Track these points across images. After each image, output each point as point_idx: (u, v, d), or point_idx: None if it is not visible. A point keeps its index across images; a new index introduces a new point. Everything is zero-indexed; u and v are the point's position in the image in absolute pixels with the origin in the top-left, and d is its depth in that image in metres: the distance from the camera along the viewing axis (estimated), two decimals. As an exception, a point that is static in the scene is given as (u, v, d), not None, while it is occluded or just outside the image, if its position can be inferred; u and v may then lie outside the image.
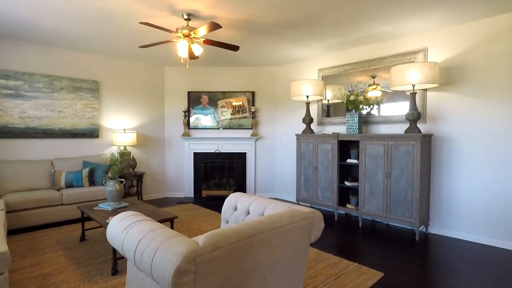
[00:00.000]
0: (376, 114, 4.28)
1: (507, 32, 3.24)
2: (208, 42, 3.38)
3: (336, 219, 4.34)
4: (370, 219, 4.26)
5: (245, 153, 5.74)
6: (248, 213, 2.06)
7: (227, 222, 2.20)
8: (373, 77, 4.33)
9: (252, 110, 5.61)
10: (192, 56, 3.60)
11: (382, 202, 3.79)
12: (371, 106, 4.31)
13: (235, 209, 2.17)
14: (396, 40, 4.06)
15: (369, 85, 4.35)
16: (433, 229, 3.79)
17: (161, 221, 2.78)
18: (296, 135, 4.77)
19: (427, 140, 3.66)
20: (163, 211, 3.07)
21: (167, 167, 5.78)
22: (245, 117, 5.69)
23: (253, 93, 5.68)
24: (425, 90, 3.81)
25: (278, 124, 5.74)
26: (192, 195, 5.73)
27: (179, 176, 5.78)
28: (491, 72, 3.35)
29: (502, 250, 3.20)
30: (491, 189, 3.37)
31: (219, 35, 3.89)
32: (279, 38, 4.05)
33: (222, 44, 3.41)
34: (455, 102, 3.61)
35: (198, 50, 3.32)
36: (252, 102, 5.68)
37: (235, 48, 3.51)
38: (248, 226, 1.42)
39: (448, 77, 3.65)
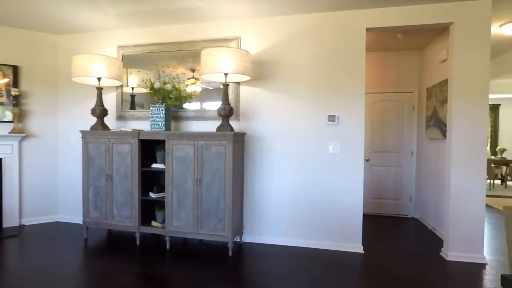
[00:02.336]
0: (189, 108, 3.56)
1: (309, 32, 3.24)
2: None
3: (138, 243, 3.30)
4: (181, 237, 3.49)
5: (1, 159, 3.74)
6: None
7: None
8: (193, 70, 3.61)
9: (14, 93, 3.70)
10: None
11: (192, 215, 3.08)
12: (184, 100, 3.57)
13: None
14: (209, 24, 3.48)
15: (188, 79, 3.59)
16: (247, 237, 3.44)
17: None
18: (82, 132, 3.38)
19: (240, 140, 3.25)
20: None
21: None
22: (1, 103, 3.70)
23: (15, 69, 3.78)
24: (238, 83, 3.41)
25: (63, 117, 4.09)
26: None
27: None
28: (297, 70, 3.28)
29: (314, 250, 3.16)
30: (299, 189, 3.31)
31: None
32: (39, -20, 2.60)
33: None
34: (266, 99, 3.37)
35: None
36: (14, 82, 3.76)
37: None
38: None
39: (260, 71, 3.37)
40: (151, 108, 3.30)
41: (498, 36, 3.88)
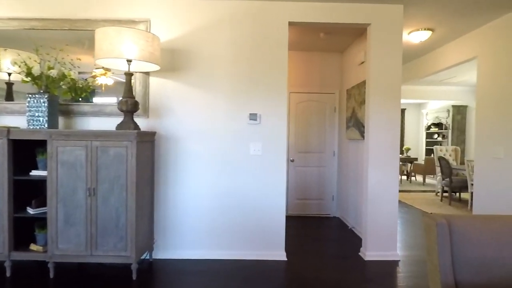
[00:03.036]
0: (87, 103, 2.92)
1: (229, 21, 2.92)
2: None
3: (8, 274, 2.55)
4: (74, 262, 2.83)
5: None
6: None
7: None
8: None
9: None
10: None
11: (84, 234, 2.48)
12: (81, 92, 2.91)
13: None
14: (112, 0, 2.90)
15: (96, 68, 2.94)
16: (159, 253, 2.96)
17: None
18: None
19: (149, 140, 2.77)
20: None
21: None
22: None
23: None
24: (148, 74, 2.92)
25: None
26: None
27: None
28: (215, 63, 2.94)
29: (235, 261, 2.84)
30: (218, 194, 2.97)
31: None
32: None
33: None
34: (181, 93, 2.95)
35: None
36: None
37: None
38: None
39: (173, 61, 2.94)
40: (28, 99, 2.58)
41: (406, 44, 4.15)
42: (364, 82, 3.56)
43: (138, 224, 2.53)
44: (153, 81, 2.93)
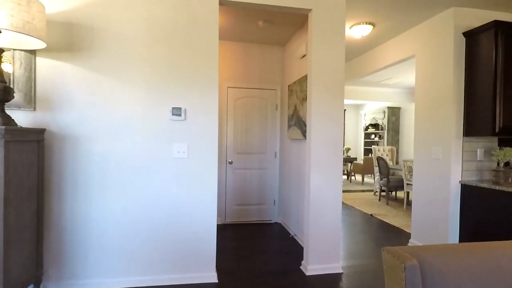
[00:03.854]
0: None
1: (145, -7, 2.38)
2: None
3: None
4: None
5: None
6: None
7: None
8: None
9: None
10: None
11: None
12: None
13: None
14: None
15: None
16: (50, 287, 2.28)
17: None
18: None
19: (33, 140, 2.09)
20: None
21: None
22: None
23: None
24: (33, 53, 2.22)
25: None
26: None
27: None
28: (128, 44, 2.37)
29: (142, 292, 2.30)
30: (132, 207, 2.40)
31: None
32: None
33: None
34: (83, 81, 2.31)
35: None
36: None
37: None
38: None
39: (71, 39, 2.29)
40: None
41: (348, 40, 4.00)
42: (306, 77, 3.28)
43: (11, 253, 1.85)
44: (42, 63, 2.25)
